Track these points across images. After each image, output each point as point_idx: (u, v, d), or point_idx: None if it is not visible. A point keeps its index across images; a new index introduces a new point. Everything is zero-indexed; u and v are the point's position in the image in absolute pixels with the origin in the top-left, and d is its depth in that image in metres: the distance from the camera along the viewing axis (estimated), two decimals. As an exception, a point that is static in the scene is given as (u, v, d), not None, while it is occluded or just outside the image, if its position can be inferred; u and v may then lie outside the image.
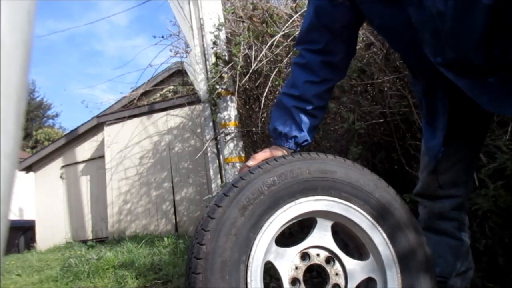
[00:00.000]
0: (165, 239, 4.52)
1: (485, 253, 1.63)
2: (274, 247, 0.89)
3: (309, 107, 1.09)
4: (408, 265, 0.92)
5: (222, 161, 3.47)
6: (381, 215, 0.93)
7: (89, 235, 7.73)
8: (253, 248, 0.84)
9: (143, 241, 4.76)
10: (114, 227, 6.65)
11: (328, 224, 0.94)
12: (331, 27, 1.08)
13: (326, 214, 0.92)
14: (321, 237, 0.93)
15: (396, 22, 0.95)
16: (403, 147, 2.20)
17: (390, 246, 0.92)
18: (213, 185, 3.66)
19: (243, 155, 3.44)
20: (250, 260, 0.83)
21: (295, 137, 1.07)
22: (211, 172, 3.69)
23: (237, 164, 3.37)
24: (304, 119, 1.08)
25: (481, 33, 0.82)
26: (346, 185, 0.93)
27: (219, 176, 3.55)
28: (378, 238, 0.92)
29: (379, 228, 0.92)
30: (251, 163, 0.99)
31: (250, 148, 3.89)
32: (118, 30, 69.17)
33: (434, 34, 0.88)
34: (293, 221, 0.91)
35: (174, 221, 6.22)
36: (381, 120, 2.36)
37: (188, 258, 0.85)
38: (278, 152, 1.04)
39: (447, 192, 1.16)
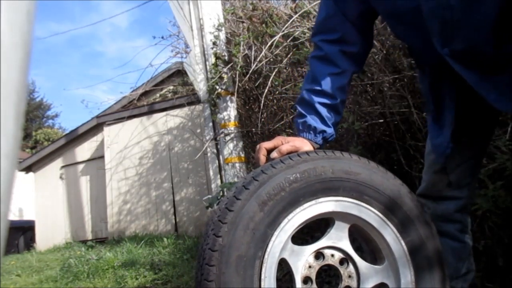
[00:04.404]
0: (165, 239, 4.52)
1: (484, 254, 1.63)
2: (290, 244, 0.88)
3: (333, 102, 1.07)
4: (423, 274, 0.90)
5: (222, 162, 3.48)
6: (400, 221, 0.91)
7: (89, 236, 7.72)
8: (270, 245, 0.83)
9: (142, 242, 4.76)
10: (113, 228, 6.65)
11: (346, 225, 0.92)
12: (349, 15, 1.07)
13: (345, 216, 0.91)
14: (338, 238, 0.91)
15: (405, 10, 0.94)
16: (402, 147, 2.20)
17: (408, 254, 0.90)
18: (213, 185, 3.66)
19: (242, 155, 3.44)
20: (266, 256, 0.82)
21: (324, 131, 1.05)
22: (211, 173, 3.69)
23: (237, 165, 3.37)
24: (329, 115, 1.06)
25: (490, 27, 0.81)
26: (369, 188, 0.90)
27: (219, 176, 3.55)
28: (396, 244, 0.91)
29: (398, 235, 0.91)
30: (275, 155, 0.97)
31: (250, 148, 3.89)
32: (119, 32, 69.24)
33: (442, 24, 0.87)
34: (311, 220, 0.89)
35: (174, 221, 6.22)
36: (381, 121, 2.37)
37: (202, 249, 0.84)
38: (304, 146, 1.01)
39: (451, 194, 1.14)
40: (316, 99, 1.06)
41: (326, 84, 1.07)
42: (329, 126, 1.06)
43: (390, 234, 0.91)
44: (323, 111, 1.06)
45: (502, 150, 1.58)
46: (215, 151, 3.58)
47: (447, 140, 1.05)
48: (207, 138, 3.72)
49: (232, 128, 3.40)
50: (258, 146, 1.02)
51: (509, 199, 1.55)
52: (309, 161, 0.89)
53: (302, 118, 1.07)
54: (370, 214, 0.90)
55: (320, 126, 1.05)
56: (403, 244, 0.91)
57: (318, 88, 1.07)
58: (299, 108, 1.10)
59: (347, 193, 0.89)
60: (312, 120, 1.05)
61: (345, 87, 1.10)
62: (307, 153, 0.93)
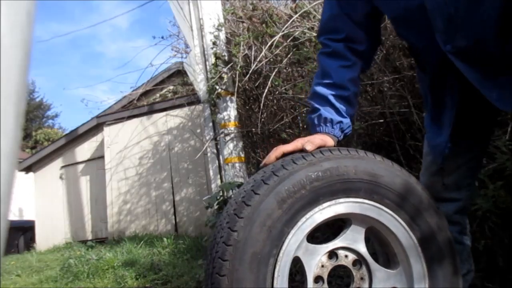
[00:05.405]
0: (165, 239, 4.52)
1: (484, 254, 1.63)
2: (305, 243, 0.86)
3: (346, 94, 1.04)
4: (438, 284, 0.88)
5: (221, 162, 3.48)
6: (420, 229, 0.89)
7: (89, 236, 7.72)
8: (285, 243, 0.81)
9: (142, 242, 4.76)
10: (113, 228, 6.64)
11: (363, 227, 0.90)
12: (352, 16, 1.07)
13: (363, 218, 0.89)
14: (354, 239, 0.89)
15: (409, 8, 0.94)
16: (402, 147, 2.20)
17: (424, 263, 0.89)
18: (213, 185, 3.66)
19: (242, 155, 3.44)
20: (281, 255, 0.80)
21: (341, 122, 1.02)
22: (211, 173, 3.70)
23: (237, 165, 3.37)
24: (343, 107, 1.04)
25: (493, 25, 0.81)
26: (390, 192, 0.88)
27: (218, 176, 3.55)
28: (413, 252, 0.89)
29: (416, 243, 0.89)
30: (310, 147, 0.91)
31: (250, 148, 3.89)
32: (119, 32, 69.13)
33: (446, 21, 0.87)
34: (328, 220, 0.87)
35: (173, 221, 6.22)
36: (381, 121, 2.37)
37: (215, 241, 0.82)
38: (328, 142, 0.99)
39: (450, 195, 1.12)
40: (329, 91, 1.04)
41: (337, 76, 1.05)
42: (345, 117, 1.04)
43: (408, 241, 0.89)
44: (337, 102, 1.03)
45: (502, 150, 1.58)
46: (215, 151, 3.58)
47: (446, 140, 1.04)
48: (207, 138, 3.72)
49: (232, 128, 3.40)
50: (276, 147, 0.98)
51: (509, 199, 1.55)
52: (332, 159, 0.87)
53: (316, 112, 1.05)
54: (389, 218, 0.88)
55: (336, 118, 1.02)
56: (420, 251, 0.89)
57: (330, 81, 1.05)
58: (312, 103, 1.07)
59: (368, 195, 0.87)
60: (327, 113, 1.03)
61: (357, 79, 1.08)
62: (330, 150, 0.89)
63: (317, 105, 1.05)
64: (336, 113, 1.03)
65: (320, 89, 1.06)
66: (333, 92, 1.04)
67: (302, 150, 0.92)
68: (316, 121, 1.04)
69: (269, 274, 0.79)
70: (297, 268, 1.73)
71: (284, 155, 0.95)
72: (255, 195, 0.81)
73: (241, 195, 0.84)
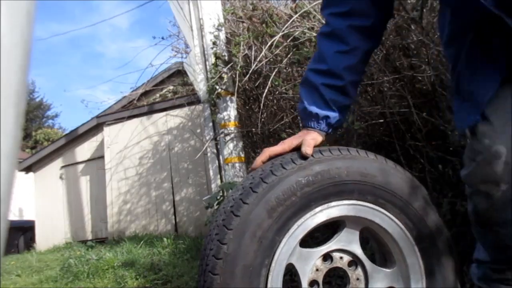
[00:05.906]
0: (165, 239, 4.52)
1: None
2: (298, 249, 0.83)
3: (339, 83, 0.96)
4: (435, 281, 0.87)
5: (221, 162, 3.48)
6: (416, 227, 0.87)
7: (89, 236, 7.72)
8: (277, 252, 0.78)
9: (142, 242, 4.76)
10: (113, 228, 6.65)
11: (358, 228, 0.88)
12: None
13: (357, 219, 0.87)
14: (348, 241, 0.88)
15: None
16: (402, 147, 2.20)
17: (421, 260, 0.87)
18: (213, 186, 3.66)
19: (242, 155, 3.44)
20: (273, 264, 0.78)
21: (327, 117, 0.95)
22: (211, 173, 3.70)
23: (237, 165, 3.37)
24: (335, 97, 0.95)
25: None
26: (385, 192, 0.85)
27: (218, 176, 3.55)
28: (410, 251, 0.87)
29: (412, 241, 0.87)
30: (309, 151, 0.86)
31: (250, 148, 3.89)
32: (119, 32, 69.16)
33: None
34: (321, 224, 0.85)
35: (173, 221, 6.22)
36: (381, 121, 2.37)
37: (205, 253, 0.80)
38: (318, 137, 0.93)
39: None
40: (320, 80, 0.96)
41: (333, 63, 0.96)
42: (333, 110, 0.96)
43: (404, 240, 0.87)
44: (327, 93, 0.95)
45: (502, 150, 1.57)
46: (215, 151, 3.58)
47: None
48: (207, 138, 3.72)
49: (232, 128, 3.40)
50: (264, 150, 0.93)
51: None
52: (323, 161, 0.83)
53: (302, 105, 0.98)
54: (385, 219, 0.86)
55: (322, 112, 0.95)
56: (417, 250, 0.87)
57: (323, 67, 0.97)
58: (300, 92, 1.00)
59: (362, 197, 0.84)
60: (312, 106, 0.96)
61: (356, 67, 0.99)
62: (320, 152, 0.86)
63: (303, 97, 0.98)
64: (324, 105, 0.96)
65: (312, 76, 0.98)
66: (324, 81, 0.96)
67: (294, 149, 0.88)
68: (303, 115, 0.99)
69: (262, 285, 0.77)
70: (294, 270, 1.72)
71: (271, 158, 0.91)
72: (243, 204, 0.78)
73: (229, 204, 0.81)
